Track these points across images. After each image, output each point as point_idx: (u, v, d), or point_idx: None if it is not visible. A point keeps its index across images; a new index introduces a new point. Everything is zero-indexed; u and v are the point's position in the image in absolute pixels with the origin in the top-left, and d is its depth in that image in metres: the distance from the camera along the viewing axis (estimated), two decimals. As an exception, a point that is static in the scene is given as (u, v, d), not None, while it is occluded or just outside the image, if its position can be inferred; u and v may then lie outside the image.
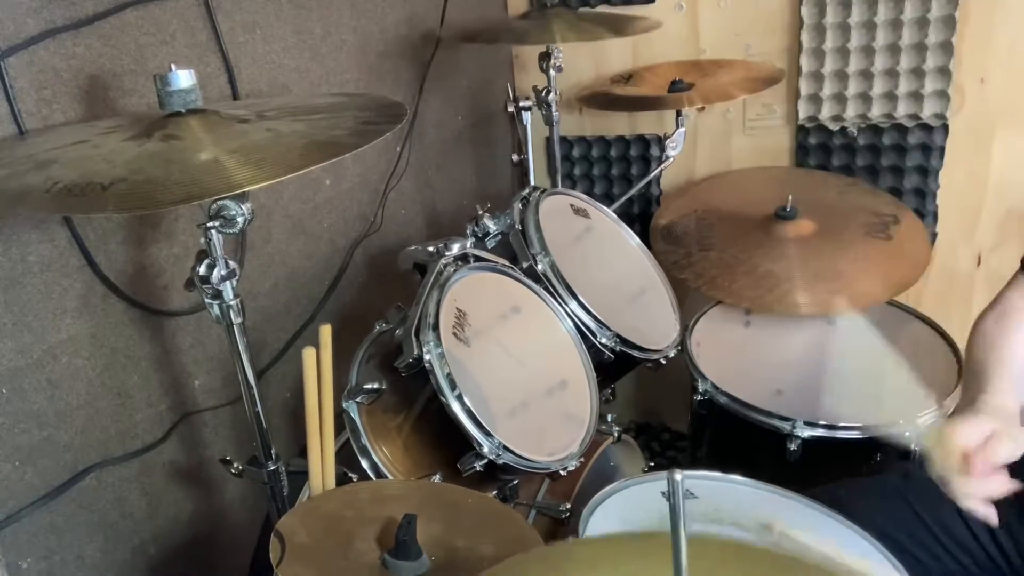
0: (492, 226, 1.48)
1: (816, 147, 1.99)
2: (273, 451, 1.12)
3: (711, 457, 1.66)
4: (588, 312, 1.42)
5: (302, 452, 1.12)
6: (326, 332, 1.09)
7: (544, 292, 1.41)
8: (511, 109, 1.94)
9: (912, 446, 1.11)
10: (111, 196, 0.80)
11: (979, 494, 0.96)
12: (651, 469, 1.65)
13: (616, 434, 1.59)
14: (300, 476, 1.14)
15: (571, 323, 1.41)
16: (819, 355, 1.82)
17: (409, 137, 1.81)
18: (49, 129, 1.05)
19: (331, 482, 1.12)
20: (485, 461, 1.15)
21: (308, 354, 1.07)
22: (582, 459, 1.28)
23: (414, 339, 1.17)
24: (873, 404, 1.64)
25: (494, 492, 1.29)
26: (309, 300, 1.57)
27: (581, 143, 2.20)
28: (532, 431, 1.25)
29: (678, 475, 0.55)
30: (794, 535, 0.99)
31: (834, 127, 1.95)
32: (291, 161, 0.87)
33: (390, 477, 1.21)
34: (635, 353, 1.47)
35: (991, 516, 0.97)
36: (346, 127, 1.00)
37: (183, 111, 0.95)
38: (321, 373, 1.08)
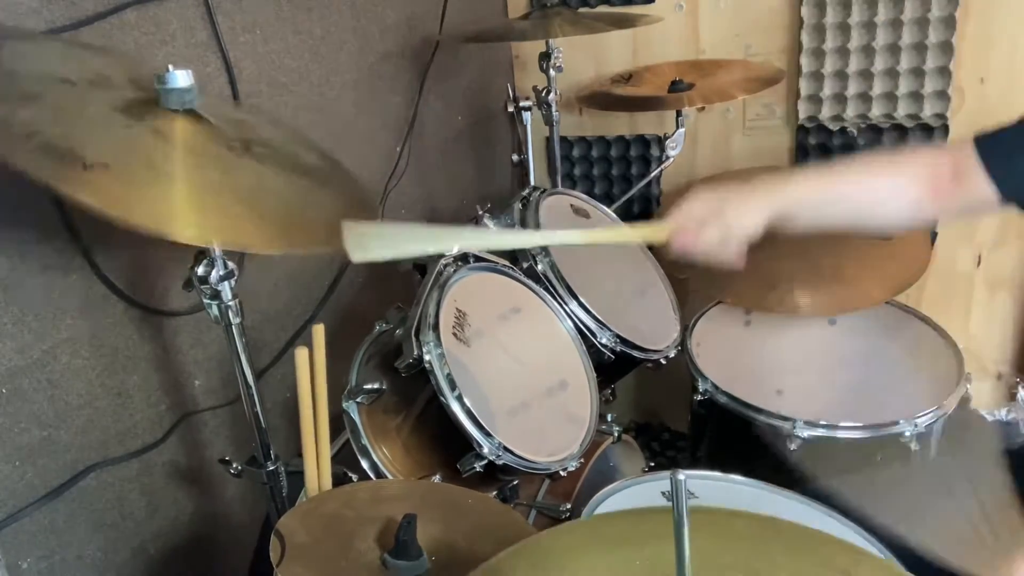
0: (492, 226, 1.47)
1: (816, 147, 1.98)
2: (272, 451, 1.12)
3: (711, 457, 1.66)
4: (588, 312, 1.42)
5: (301, 452, 1.12)
6: (319, 331, 1.09)
7: (544, 292, 1.41)
8: (511, 109, 1.94)
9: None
10: (89, 182, 0.76)
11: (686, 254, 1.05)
12: (651, 469, 1.65)
13: (616, 434, 1.59)
14: (300, 476, 1.14)
15: (571, 323, 1.41)
16: (819, 355, 1.82)
17: (409, 137, 1.81)
18: (32, 39, 0.99)
19: (327, 482, 1.12)
20: (485, 462, 1.15)
21: (300, 354, 1.07)
22: (582, 459, 1.28)
23: (414, 339, 1.17)
24: (873, 404, 1.64)
25: (494, 492, 1.29)
26: (309, 300, 1.57)
27: (581, 143, 2.20)
28: (532, 431, 1.25)
29: (681, 475, 0.55)
30: None
31: (834, 127, 1.95)
32: (267, 234, 0.85)
33: (390, 477, 1.21)
34: (635, 353, 1.47)
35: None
36: (318, 213, 0.97)
37: (179, 110, 0.94)
38: (314, 373, 1.08)
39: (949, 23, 1.75)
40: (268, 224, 0.88)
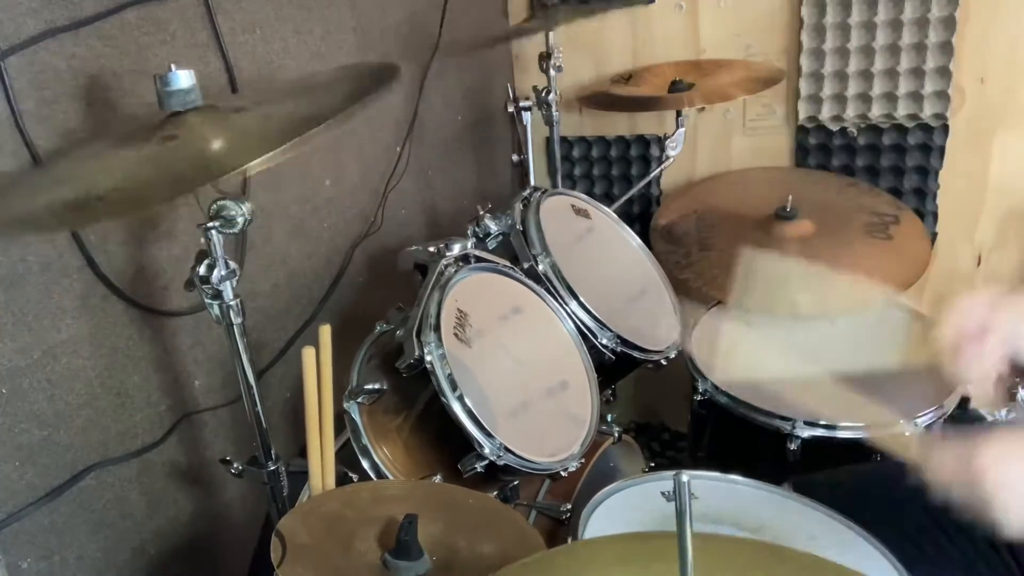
0: (493, 226, 1.48)
1: (816, 147, 1.99)
2: (273, 451, 1.12)
3: (711, 457, 1.66)
4: (589, 313, 1.42)
5: (302, 452, 1.12)
6: (325, 332, 1.09)
7: (545, 293, 1.41)
8: (511, 109, 1.94)
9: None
10: (104, 206, 0.82)
11: (973, 370, 0.92)
12: (651, 469, 1.65)
13: (616, 434, 1.59)
14: (300, 476, 1.14)
15: (572, 324, 1.41)
16: (819, 355, 1.82)
17: (409, 137, 1.81)
18: (67, 154, 1.07)
19: (331, 482, 1.12)
20: (486, 462, 1.15)
21: (307, 354, 1.07)
22: (582, 460, 1.28)
23: (415, 340, 1.17)
24: (873, 404, 1.64)
25: (495, 492, 1.29)
26: (309, 300, 1.57)
27: (581, 143, 2.20)
28: (533, 432, 1.25)
29: (684, 476, 0.54)
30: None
31: (834, 127, 1.95)
32: (271, 139, 0.86)
33: (391, 478, 1.21)
34: (636, 354, 1.47)
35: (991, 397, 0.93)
36: (339, 96, 1.00)
37: (183, 111, 0.95)
38: (321, 373, 1.08)
39: (949, 23, 1.75)
40: (274, 133, 0.91)
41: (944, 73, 1.79)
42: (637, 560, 0.70)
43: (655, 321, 1.61)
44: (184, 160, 0.87)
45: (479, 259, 1.37)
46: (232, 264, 0.98)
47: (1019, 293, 0.94)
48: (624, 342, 1.44)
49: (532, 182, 1.97)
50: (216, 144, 0.88)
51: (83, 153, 1.00)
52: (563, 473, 1.24)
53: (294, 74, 1.46)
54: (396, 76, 1.03)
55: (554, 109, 1.83)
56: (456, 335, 1.23)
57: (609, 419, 1.61)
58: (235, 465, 1.15)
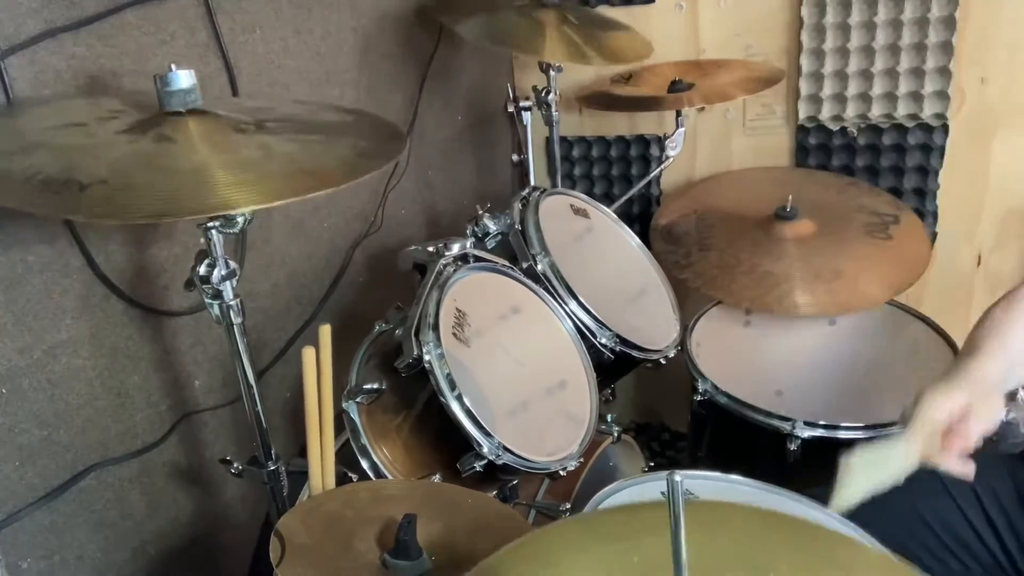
0: (492, 226, 1.48)
1: (816, 147, 1.98)
2: (273, 451, 1.12)
3: (711, 457, 1.66)
4: (588, 312, 1.42)
5: (302, 452, 1.13)
6: (325, 332, 1.09)
7: (544, 292, 1.41)
8: (511, 109, 1.94)
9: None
10: (86, 199, 0.80)
11: (954, 471, 0.99)
12: (651, 469, 1.65)
13: (616, 434, 1.59)
14: (300, 476, 1.14)
15: (571, 323, 1.41)
16: (819, 355, 1.82)
17: (409, 137, 1.81)
18: (53, 101, 1.04)
19: (331, 482, 1.12)
20: (485, 461, 1.15)
21: (307, 354, 1.07)
22: (582, 459, 1.28)
23: (414, 339, 1.17)
24: (873, 404, 1.64)
25: (494, 492, 1.29)
26: (309, 300, 1.57)
27: (581, 143, 2.20)
28: (532, 431, 1.25)
29: (678, 476, 0.55)
30: None
31: (834, 127, 1.95)
32: (270, 189, 0.87)
33: (390, 477, 1.21)
34: (635, 353, 1.47)
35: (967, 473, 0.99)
36: (339, 156, 0.99)
37: (183, 111, 0.95)
38: (321, 373, 1.08)
39: (949, 23, 1.75)
40: (273, 180, 0.91)
41: (944, 73, 1.79)
42: (630, 535, 0.70)
43: (654, 320, 1.61)
44: (178, 178, 0.85)
45: (478, 259, 1.37)
46: (232, 264, 0.98)
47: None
48: (623, 341, 1.45)
49: (532, 182, 1.97)
50: (215, 173, 0.86)
51: (71, 114, 0.98)
52: (562, 472, 1.25)
53: (294, 76, 1.47)
54: (400, 150, 1.06)
55: (554, 109, 1.83)
56: (455, 335, 1.23)
57: (609, 419, 1.61)
58: (235, 465, 1.16)
